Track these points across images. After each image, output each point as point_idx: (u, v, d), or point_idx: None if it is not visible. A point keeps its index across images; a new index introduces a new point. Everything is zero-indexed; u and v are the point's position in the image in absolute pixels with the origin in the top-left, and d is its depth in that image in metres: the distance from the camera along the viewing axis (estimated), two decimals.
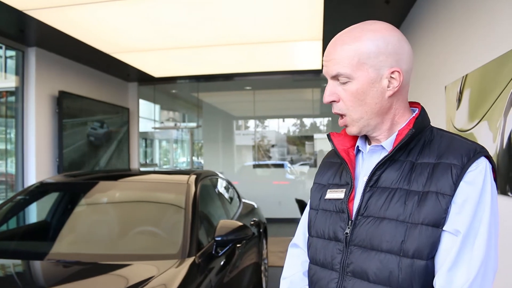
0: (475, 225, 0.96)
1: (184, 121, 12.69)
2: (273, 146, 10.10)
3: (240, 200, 4.27)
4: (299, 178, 9.78)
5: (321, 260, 1.15)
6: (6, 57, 5.45)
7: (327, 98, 1.12)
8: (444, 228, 0.98)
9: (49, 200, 3.40)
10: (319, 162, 9.80)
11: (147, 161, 12.68)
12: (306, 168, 9.75)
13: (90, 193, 3.09)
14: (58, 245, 2.72)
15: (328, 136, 1.24)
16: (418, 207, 1.00)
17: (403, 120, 1.11)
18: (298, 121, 10.54)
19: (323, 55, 4.40)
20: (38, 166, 5.10)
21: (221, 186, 3.80)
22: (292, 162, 9.91)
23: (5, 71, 5.57)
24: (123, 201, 3.12)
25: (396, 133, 1.11)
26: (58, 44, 5.08)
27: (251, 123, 10.50)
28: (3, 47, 5.20)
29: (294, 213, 7.96)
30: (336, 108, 1.12)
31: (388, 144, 1.11)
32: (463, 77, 2.72)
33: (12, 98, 5.37)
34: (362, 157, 1.18)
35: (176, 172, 3.98)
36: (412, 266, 0.98)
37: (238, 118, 10.74)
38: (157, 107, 10.68)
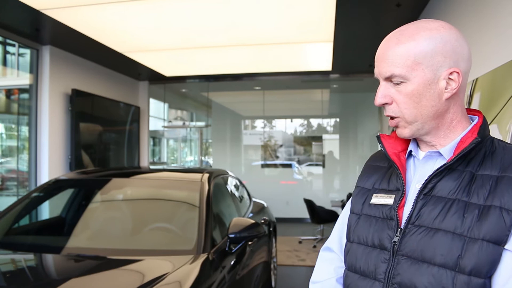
0: None
1: (192, 120, 12.75)
2: (281, 146, 10.16)
3: (250, 199, 4.33)
4: (307, 179, 9.83)
5: (361, 268, 1.09)
6: (18, 55, 5.55)
7: (379, 100, 1.06)
8: (506, 247, 0.91)
9: (64, 196, 3.48)
10: (327, 163, 9.76)
11: (155, 160, 12.76)
12: (314, 169, 9.81)
13: (106, 190, 3.17)
14: (75, 240, 2.79)
15: (378, 138, 1.17)
16: (479, 221, 0.93)
17: (461, 126, 1.06)
18: (305, 122, 10.59)
19: (333, 57, 4.42)
20: (50, 163, 5.18)
21: (232, 185, 3.86)
22: (299, 162, 9.96)
23: (18, 68, 5.66)
24: (139, 198, 3.19)
25: (456, 140, 1.05)
26: (72, 42, 5.15)
27: (261, 123, 10.57)
28: (16, 45, 5.29)
29: (302, 213, 8.03)
30: (388, 111, 1.07)
31: (447, 151, 1.05)
32: (474, 80, 2.75)
33: (23, 96, 5.46)
34: (413, 162, 1.12)
35: (188, 170, 4.05)
36: (469, 284, 0.91)
37: (248, 118, 10.81)
38: (167, 106, 10.74)
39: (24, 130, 5.39)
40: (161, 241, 2.68)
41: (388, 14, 4.17)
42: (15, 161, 5.46)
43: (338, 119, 9.95)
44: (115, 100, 6.66)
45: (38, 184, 5.10)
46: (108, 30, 4.69)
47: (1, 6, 3.90)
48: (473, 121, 1.09)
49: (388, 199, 1.09)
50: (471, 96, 2.81)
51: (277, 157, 10.01)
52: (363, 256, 1.10)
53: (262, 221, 3.92)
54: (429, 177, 1.03)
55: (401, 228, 1.03)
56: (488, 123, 2.42)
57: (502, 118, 2.36)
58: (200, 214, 2.62)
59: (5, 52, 5.54)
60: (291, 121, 10.55)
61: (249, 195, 4.41)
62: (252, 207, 4.12)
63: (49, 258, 2.50)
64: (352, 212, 1.20)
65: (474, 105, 2.73)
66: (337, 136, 9.78)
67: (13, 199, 5.11)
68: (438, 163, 1.06)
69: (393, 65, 1.01)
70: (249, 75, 7.26)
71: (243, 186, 4.39)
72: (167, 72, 6.98)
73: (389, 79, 1.04)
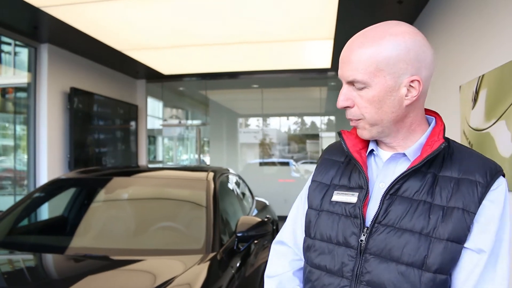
0: (496, 244, 0.98)
1: (187, 119, 12.70)
2: (278, 144, 10.14)
3: (253, 197, 4.30)
4: (304, 176, 9.82)
5: (327, 266, 1.10)
6: (15, 54, 5.49)
7: (341, 103, 1.07)
8: (465, 246, 0.98)
9: (66, 196, 3.44)
10: None
11: (150, 159, 12.69)
12: (311, 167, 9.79)
13: (110, 189, 3.13)
14: (80, 240, 2.75)
15: (340, 134, 1.18)
16: (443, 222, 0.98)
17: (420, 129, 1.09)
18: (300, 120, 10.58)
19: (333, 54, 4.41)
20: (49, 163, 5.13)
21: (236, 183, 3.84)
22: (295, 160, 9.95)
23: (14, 67, 5.61)
24: (143, 197, 3.16)
25: (420, 141, 1.08)
26: (70, 40, 5.11)
27: (259, 121, 10.54)
28: (12, 44, 5.24)
29: None
30: (350, 114, 1.08)
31: (411, 153, 1.07)
32: (479, 77, 2.75)
33: (19, 94, 5.42)
34: (374, 160, 1.14)
35: (191, 168, 4.02)
36: (434, 281, 0.97)
37: (246, 116, 10.78)
38: (161, 104, 10.70)
39: (18, 129, 5.35)
40: (169, 240, 2.65)
41: (389, 11, 4.17)
42: (10, 160, 5.41)
43: (334, 117, 9.95)
44: (113, 98, 6.62)
45: (37, 183, 5.06)
46: (106, 28, 4.65)
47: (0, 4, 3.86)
48: (430, 122, 1.12)
49: (350, 197, 1.10)
50: (477, 92, 2.81)
51: (272, 155, 10.00)
52: (328, 253, 1.11)
53: (266, 219, 3.90)
54: (397, 178, 1.05)
55: (367, 227, 1.05)
56: (496, 119, 2.44)
57: (510, 115, 2.36)
58: (207, 213, 2.59)
59: (0, 51, 5.48)
60: (287, 119, 10.55)
61: (251, 193, 4.40)
62: (256, 206, 4.10)
63: (54, 258, 2.47)
64: (310, 207, 1.20)
65: (480, 102, 2.73)
66: (333, 134, 9.78)
67: (11, 198, 5.07)
68: (401, 163, 1.09)
69: (356, 70, 1.01)
70: (247, 73, 7.24)
71: (246, 184, 4.36)
72: (165, 70, 6.95)
73: (351, 83, 1.05)
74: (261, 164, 9.79)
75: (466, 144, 2.90)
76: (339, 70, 1.07)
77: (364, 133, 1.09)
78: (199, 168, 3.93)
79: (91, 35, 4.81)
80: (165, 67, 6.79)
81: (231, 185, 3.62)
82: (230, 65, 6.67)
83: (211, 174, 3.05)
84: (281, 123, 10.63)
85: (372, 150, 1.14)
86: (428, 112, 1.15)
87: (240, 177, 4.26)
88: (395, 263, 1.00)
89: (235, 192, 3.67)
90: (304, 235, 1.22)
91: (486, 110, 2.66)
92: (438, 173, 1.04)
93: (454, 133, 3.12)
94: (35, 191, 3.21)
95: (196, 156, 12.07)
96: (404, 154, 1.08)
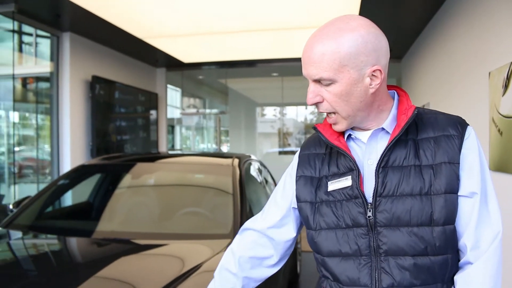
0: (483, 184, 1.10)
1: (205, 108, 12.72)
2: (298, 133, 10.13)
3: (276, 185, 4.29)
4: None
5: (342, 251, 1.15)
6: (36, 44, 5.54)
7: (311, 100, 1.14)
8: (459, 194, 1.09)
9: (91, 182, 3.48)
10: None
11: (168, 147, 12.73)
12: None
13: (135, 175, 3.15)
14: (108, 224, 2.78)
15: (315, 128, 1.24)
16: (436, 178, 1.08)
17: (387, 106, 1.18)
18: (316, 109, 10.56)
19: None
20: (72, 150, 5.19)
21: (258, 170, 3.83)
22: None
23: (36, 56, 5.66)
24: (170, 182, 3.17)
25: (392, 114, 1.17)
26: (92, 29, 5.15)
27: (276, 110, 10.52)
28: (34, 34, 5.29)
29: None
30: (322, 108, 1.15)
31: (388, 125, 1.16)
32: (511, 63, 2.69)
33: (41, 84, 5.48)
34: (355, 143, 1.21)
35: (215, 155, 4.02)
36: (445, 233, 1.07)
37: (265, 105, 10.77)
38: (179, 94, 10.73)
39: (40, 118, 5.41)
40: (196, 225, 2.66)
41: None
42: (32, 149, 5.49)
43: None
44: (133, 86, 6.66)
45: (61, 171, 5.13)
46: (128, 15, 4.67)
47: None
48: (392, 96, 1.22)
49: (345, 181, 1.16)
50: (508, 79, 2.75)
51: (289, 144, 10.02)
52: (340, 239, 1.16)
53: None
54: (385, 150, 1.12)
55: (370, 203, 1.12)
56: None
57: None
58: (234, 198, 2.59)
59: (21, 42, 5.53)
60: (306, 108, 10.51)
61: (274, 180, 4.40)
62: None
63: (81, 242, 2.50)
64: (305, 201, 1.24)
65: (511, 88, 2.67)
66: None
67: (34, 186, 5.16)
68: (381, 137, 1.16)
69: (321, 69, 1.08)
70: (268, 61, 7.22)
71: (268, 172, 4.36)
72: (185, 58, 6.95)
73: (317, 80, 1.11)
74: (280, 153, 9.80)
75: (495, 132, 2.85)
76: (303, 70, 1.13)
77: (340, 127, 1.16)
78: (223, 154, 3.93)
79: (113, 22, 4.83)
80: (185, 55, 6.80)
81: (255, 172, 3.61)
82: (251, 53, 6.66)
83: (236, 160, 3.05)
84: (298, 112, 10.59)
85: (349, 135, 1.21)
86: (388, 87, 1.23)
87: (262, 164, 4.25)
88: (406, 227, 1.08)
89: (259, 179, 3.67)
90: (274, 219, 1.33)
91: None
92: (416, 137, 1.13)
93: (482, 121, 3.07)
94: (60, 178, 3.25)
95: (213, 145, 12.08)
96: (382, 129, 1.16)
